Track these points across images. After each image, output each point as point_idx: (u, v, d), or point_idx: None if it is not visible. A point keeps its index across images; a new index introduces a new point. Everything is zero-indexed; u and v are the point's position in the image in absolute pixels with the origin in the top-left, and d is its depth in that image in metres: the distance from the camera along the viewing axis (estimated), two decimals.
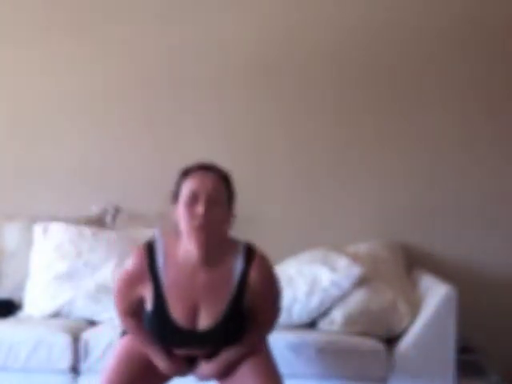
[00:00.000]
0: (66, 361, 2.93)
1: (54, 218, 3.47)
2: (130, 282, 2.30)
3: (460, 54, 3.64)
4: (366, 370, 2.86)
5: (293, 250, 3.34)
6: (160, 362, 2.33)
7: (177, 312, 2.24)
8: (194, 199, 2.17)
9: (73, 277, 3.27)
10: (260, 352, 2.37)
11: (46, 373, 2.94)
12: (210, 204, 2.16)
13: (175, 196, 2.24)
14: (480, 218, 3.63)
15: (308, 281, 3.03)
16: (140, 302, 2.32)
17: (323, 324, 3.01)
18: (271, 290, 2.36)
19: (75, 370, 2.96)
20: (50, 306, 3.24)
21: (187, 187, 2.19)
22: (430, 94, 3.65)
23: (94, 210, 3.66)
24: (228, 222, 2.26)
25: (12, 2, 3.79)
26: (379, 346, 2.88)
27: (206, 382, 2.44)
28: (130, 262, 2.30)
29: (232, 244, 2.31)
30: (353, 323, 2.95)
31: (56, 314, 3.23)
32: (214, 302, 2.24)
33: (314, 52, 3.67)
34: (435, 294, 2.93)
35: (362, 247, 3.41)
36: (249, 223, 3.66)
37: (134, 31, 3.73)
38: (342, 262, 3.07)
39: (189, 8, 3.69)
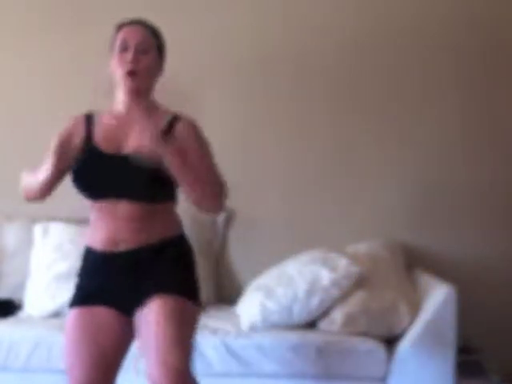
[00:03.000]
0: None
1: (54, 218, 3.47)
2: (67, 136, 2.34)
3: (454, 55, 3.64)
4: (366, 370, 2.86)
5: (293, 250, 3.34)
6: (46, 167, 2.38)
7: (103, 145, 2.26)
8: (124, 48, 2.29)
9: (73, 277, 3.26)
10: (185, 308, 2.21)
11: (46, 373, 2.94)
12: (139, 51, 2.27)
13: (110, 50, 2.35)
14: (480, 217, 3.63)
15: (308, 281, 3.03)
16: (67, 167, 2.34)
17: (323, 324, 3.01)
18: (201, 142, 2.31)
19: None
20: (50, 306, 3.24)
21: (119, 39, 2.32)
22: (430, 94, 3.66)
23: None
24: (156, 73, 2.34)
25: (12, 2, 3.79)
26: (379, 346, 2.88)
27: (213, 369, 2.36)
28: (67, 124, 2.39)
29: (160, 106, 2.36)
30: (353, 323, 2.95)
31: (56, 314, 3.23)
32: (139, 138, 2.21)
33: (310, 52, 3.66)
34: (435, 293, 2.93)
35: (362, 247, 3.41)
36: (249, 223, 3.68)
37: None
38: (342, 262, 3.07)
39: (185, 7, 3.70)
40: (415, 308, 2.98)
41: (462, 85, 3.65)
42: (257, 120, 3.71)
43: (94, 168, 2.28)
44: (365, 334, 2.94)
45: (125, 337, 2.25)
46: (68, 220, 3.47)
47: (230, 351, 2.87)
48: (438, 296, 2.90)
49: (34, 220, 3.49)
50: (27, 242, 3.46)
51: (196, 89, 3.53)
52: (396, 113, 3.67)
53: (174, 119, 2.30)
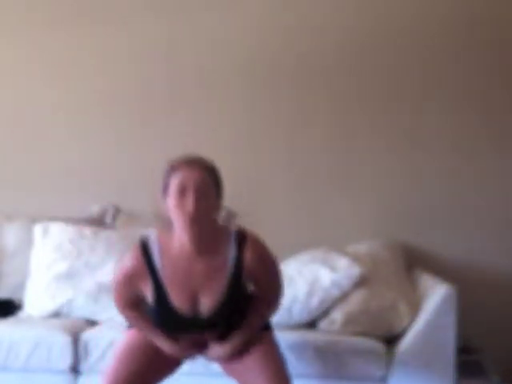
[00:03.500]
0: (65, 361, 2.93)
1: (54, 218, 3.47)
2: (129, 280, 2.35)
3: (454, 55, 3.63)
4: (365, 370, 2.85)
5: (293, 250, 3.34)
6: (166, 346, 2.37)
7: (178, 301, 2.29)
8: (182, 192, 2.23)
9: (73, 277, 3.27)
10: (268, 342, 2.42)
11: (46, 373, 2.94)
12: (199, 195, 2.22)
13: (165, 190, 2.30)
14: (480, 217, 3.63)
15: (308, 281, 3.03)
16: (139, 296, 2.37)
17: (323, 324, 3.01)
18: (268, 267, 2.40)
19: (75, 369, 2.96)
20: (49, 306, 3.24)
21: (175, 181, 2.25)
22: (430, 94, 3.66)
23: (94, 209, 3.66)
24: (217, 211, 2.33)
25: (13, 1, 3.79)
26: (379, 346, 2.88)
27: (213, 367, 2.58)
28: (126, 261, 2.36)
29: (223, 232, 2.36)
30: (353, 323, 2.95)
31: (56, 314, 3.23)
32: (212, 287, 2.29)
33: (312, 54, 3.66)
34: (435, 293, 2.93)
35: (362, 247, 3.41)
36: (249, 223, 3.68)
37: (133, 31, 3.73)
38: (342, 262, 3.07)
39: (186, 7, 3.70)
40: (415, 308, 2.97)
41: (462, 84, 3.64)
42: (258, 121, 3.71)
43: (172, 324, 2.36)
44: (365, 333, 2.94)
45: (170, 366, 2.46)
46: (68, 220, 3.47)
47: None
48: (437, 296, 2.89)
49: (34, 220, 3.49)
50: (27, 242, 3.46)
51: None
52: (396, 113, 3.67)
53: (241, 247, 2.32)
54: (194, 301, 2.31)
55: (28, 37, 3.76)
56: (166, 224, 2.30)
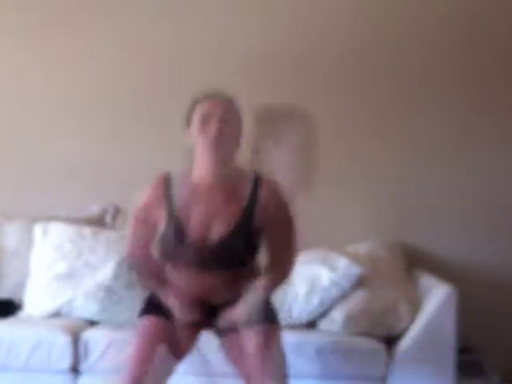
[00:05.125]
0: (65, 361, 2.93)
1: (54, 218, 3.47)
2: (145, 212, 2.43)
3: (454, 55, 3.64)
4: (365, 370, 2.86)
5: None
6: (172, 302, 2.38)
7: (190, 227, 2.33)
8: (206, 119, 2.34)
9: (73, 277, 3.27)
10: (272, 337, 2.38)
11: (46, 373, 2.94)
12: (222, 121, 2.33)
13: (188, 123, 2.40)
14: (480, 217, 3.63)
15: (308, 281, 3.03)
16: (153, 233, 2.41)
17: (323, 324, 3.01)
18: (281, 211, 2.44)
19: (75, 369, 2.96)
20: (49, 306, 3.24)
21: (199, 111, 2.37)
22: (430, 94, 3.66)
23: (94, 209, 3.66)
24: (238, 145, 2.41)
25: (12, 1, 3.79)
26: (379, 346, 2.88)
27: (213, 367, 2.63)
28: (145, 192, 2.46)
29: (242, 171, 2.43)
30: (353, 323, 2.95)
31: (56, 314, 3.23)
32: (225, 217, 2.33)
33: (312, 54, 3.67)
34: (435, 293, 2.93)
35: (362, 247, 3.42)
36: None
37: (134, 31, 3.73)
38: (342, 262, 3.07)
39: (189, 7, 3.70)
40: (415, 308, 2.98)
41: (463, 84, 3.65)
42: None
43: (179, 250, 2.36)
44: (365, 334, 2.94)
45: (186, 349, 2.44)
46: (68, 220, 3.47)
47: None
48: (437, 296, 2.90)
49: (34, 220, 3.49)
50: (27, 242, 3.46)
51: None
52: (396, 113, 3.67)
53: (257, 184, 2.37)
54: (205, 227, 2.32)
55: (29, 37, 3.76)
56: (188, 159, 2.38)
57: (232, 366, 2.43)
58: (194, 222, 2.33)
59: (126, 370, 2.31)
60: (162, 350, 2.32)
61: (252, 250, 2.39)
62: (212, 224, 2.33)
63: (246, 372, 2.33)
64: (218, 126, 2.31)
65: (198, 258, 2.34)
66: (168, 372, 2.38)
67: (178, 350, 2.39)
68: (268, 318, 2.40)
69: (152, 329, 2.38)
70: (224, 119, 2.33)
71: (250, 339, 2.31)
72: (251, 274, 2.42)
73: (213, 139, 2.31)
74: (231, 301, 2.37)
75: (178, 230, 2.34)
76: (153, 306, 2.44)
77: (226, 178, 2.37)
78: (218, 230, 2.32)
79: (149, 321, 2.41)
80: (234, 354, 2.40)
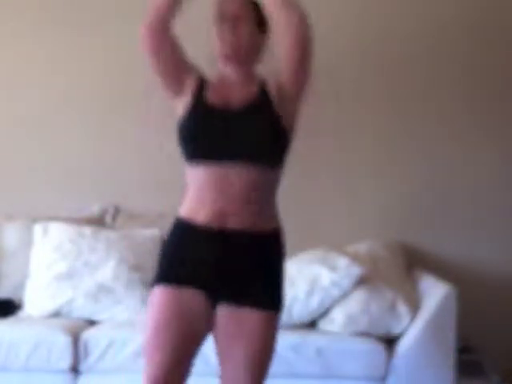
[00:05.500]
0: (65, 361, 2.93)
1: (54, 218, 3.47)
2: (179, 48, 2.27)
3: (451, 56, 3.65)
4: (366, 370, 2.86)
5: (293, 250, 3.33)
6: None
7: (212, 98, 2.17)
8: (221, 18, 2.18)
9: (73, 277, 3.27)
10: (270, 328, 2.14)
11: (46, 373, 2.94)
12: (236, 20, 2.17)
13: (213, 23, 2.22)
14: (480, 217, 3.63)
15: (308, 281, 3.03)
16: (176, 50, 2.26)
17: (323, 324, 3.01)
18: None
19: (75, 369, 2.96)
20: (49, 306, 3.24)
21: (217, 9, 2.20)
22: (431, 95, 3.66)
23: (94, 209, 3.67)
24: (256, 44, 2.22)
25: (13, 1, 3.79)
26: (379, 346, 2.88)
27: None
28: None
29: (255, 75, 2.26)
30: (353, 323, 2.95)
31: (56, 314, 3.23)
32: (243, 93, 2.18)
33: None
34: (435, 293, 2.93)
35: (362, 247, 3.42)
36: None
37: (134, 29, 3.72)
38: (342, 262, 3.07)
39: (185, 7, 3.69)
40: (415, 308, 2.98)
41: (464, 85, 3.65)
42: None
43: (207, 122, 2.15)
44: (365, 334, 2.94)
45: (206, 325, 2.13)
46: (68, 220, 3.47)
47: None
48: (437, 296, 2.90)
49: (34, 220, 3.49)
50: (27, 242, 3.46)
51: None
52: (397, 113, 3.67)
53: (264, 83, 2.20)
54: (226, 97, 2.17)
55: (28, 37, 3.76)
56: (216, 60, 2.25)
57: (216, 341, 2.17)
58: (216, 97, 2.18)
59: (148, 357, 2.10)
60: (177, 326, 2.09)
61: (278, 145, 2.20)
62: (232, 96, 2.18)
63: (226, 353, 2.14)
64: (231, 24, 2.16)
65: (221, 131, 2.12)
66: (191, 353, 2.14)
67: (193, 324, 2.12)
68: (278, 305, 2.17)
69: (165, 303, 2.11)
70: (239, 16, 2.17)
71: (245, 322, 2.09)
72: (271, 194, 2.23)
73: (225, 37, 2.16)
74: (246, 234, 2.11)
75: (201, 103, 2.18)
76: (167, 271, 2.16)
77: (240, 77, 2.22)
78: (238, 98, 2.16)
79: (161, 294, 2.13)
80: (228, 333, 2.14)
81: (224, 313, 2.12)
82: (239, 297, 2.10)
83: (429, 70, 3.65)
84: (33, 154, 3.80)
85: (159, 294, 2.12)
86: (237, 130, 2.12)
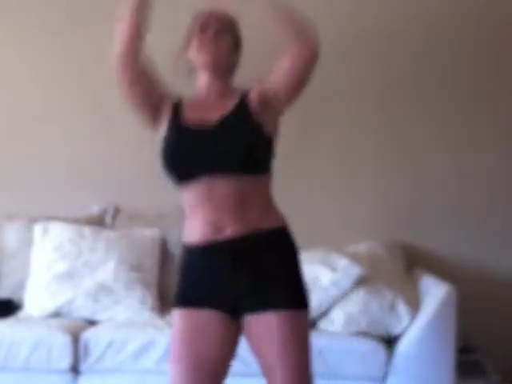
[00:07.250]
0: (65, 361, 2.93)
1: (54, 218, 3.48)
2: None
3: (459, 53, 3.65)
4: (366, 370, 2.86)
5: None
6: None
7: (188, 118, 2.21)
8: (204, 29, 2.22)
9: (73, 277, 3.27)
10: (301, 325, 2.15)
11: (46, 373, 2.95)
12: (218, 33, 2.22)
13: (188, 38, 2.27)
14: (480, 217, 3.63)
15: (308, 281, 3.02)
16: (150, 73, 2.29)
17: (323, 324, 3.01)
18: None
19: (75, 369, 2.96)
20: (49, 306, 3.24)
21: (197, 23, 2.25)
22: (430, 95, 3.66)
23: (94, 209, 3.67)
24: (233, 59, 2.28)
25: (13, 1, 3.79)
26: (379, 346, 2.88)
27: None
28: None
29: (234, 88, 2.29)
30: (353, 323, 2.95)
31: (56, 314, 3.23)
32: (219, 109, 2.20)
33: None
34: (435, 293, 2.93)
35: (362, 247, 3.42)
36: None
37: None
38: (342, 262, 3.07)
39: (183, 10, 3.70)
40: (415, 308, 2.98)
41: (463, 85, 3.65)
42: None
43: (183, 143, 2.19)
44: (365, 334, 2.94)
45: (228, 342, 2.15)
46: (68, 220, 3.47)
47: None
48: (437, 296, 2.90)
49: (34, 220, 3.49)
50: (27, 242, 3.46)
51: None
52: (396, 114, 3.67)
53: (245, 95, 2.23)
54: (202, 118, 2.18)
55: (28, 37, 3.76)
56: (189, 70, 2.29)
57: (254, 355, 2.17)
58: (192, 117, 2.21)
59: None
60: (193, 349, 2.10)
61: (259, 153, 2.17)
62: (207, 112, 2.20)
63: (266, 362, 2.12)
64: (215, 32, 2.21)
65: (196, 149, 2.14)
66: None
67: (211, 344, 2.12)
68: (301, 302, 2.17)
69: (180, 326, 2.14)
70: (222, 29, 2.23)
71: (272, 325, 2.08)
72: (265, 198, 2.21)
73: (207, 40, 2.20)
74: (244, 238, 2.11)
75: (177, 124, 2.22)
76: (179, 295, 2.18)
77: (219, 89, 2.25)
78: (215, 114, 2.18)
79: (177, 317, 2.15)
80: (255, 340, 2.14)
81: (250, 321, 2.11)
82: (260, 303, 2.10)
83: (428, 71, 3.64)
84: (33, 154, 3.80)
85: (175, 317, 2.16)
86: (212, 145, 2.14)
